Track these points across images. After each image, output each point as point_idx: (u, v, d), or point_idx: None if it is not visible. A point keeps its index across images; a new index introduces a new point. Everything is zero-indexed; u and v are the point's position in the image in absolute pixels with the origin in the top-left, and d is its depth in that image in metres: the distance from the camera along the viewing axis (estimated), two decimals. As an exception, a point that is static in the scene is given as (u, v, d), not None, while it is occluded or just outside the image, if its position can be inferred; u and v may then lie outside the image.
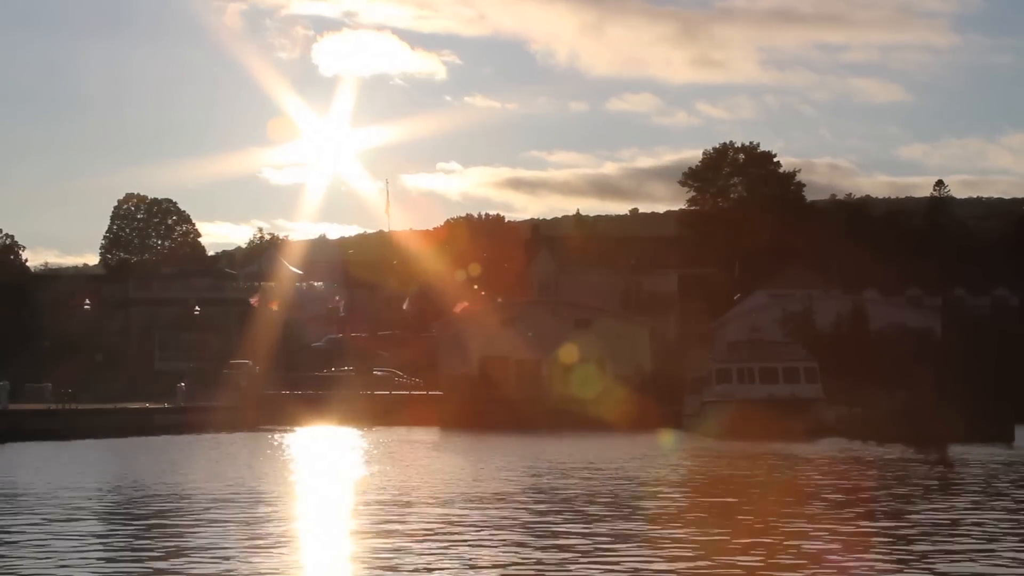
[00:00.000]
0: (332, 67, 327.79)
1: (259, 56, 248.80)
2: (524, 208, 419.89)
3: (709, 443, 62.73)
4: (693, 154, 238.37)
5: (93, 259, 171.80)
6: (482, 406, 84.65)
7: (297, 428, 79.71)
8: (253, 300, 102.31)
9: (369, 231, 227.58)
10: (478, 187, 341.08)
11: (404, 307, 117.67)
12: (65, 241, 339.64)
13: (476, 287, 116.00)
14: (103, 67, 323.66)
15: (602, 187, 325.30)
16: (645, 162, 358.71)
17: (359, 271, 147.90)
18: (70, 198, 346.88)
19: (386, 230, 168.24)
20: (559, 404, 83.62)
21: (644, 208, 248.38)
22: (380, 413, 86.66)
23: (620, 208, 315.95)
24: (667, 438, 72.49)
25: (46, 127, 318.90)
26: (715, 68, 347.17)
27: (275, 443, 63.54)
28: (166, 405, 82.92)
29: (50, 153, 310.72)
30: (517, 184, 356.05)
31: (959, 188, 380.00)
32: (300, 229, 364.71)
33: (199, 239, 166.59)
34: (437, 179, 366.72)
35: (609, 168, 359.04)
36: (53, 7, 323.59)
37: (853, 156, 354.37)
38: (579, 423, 77.23)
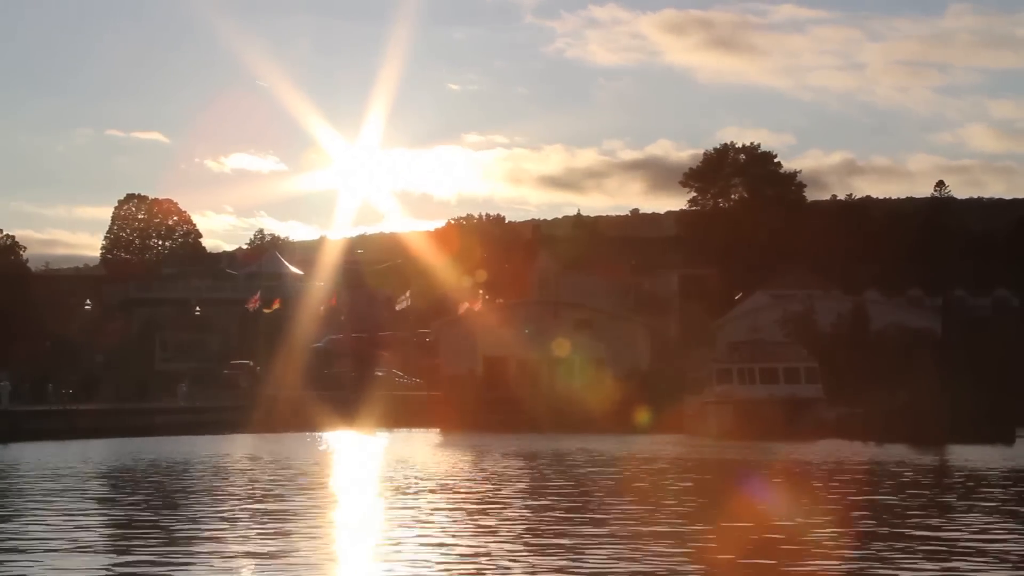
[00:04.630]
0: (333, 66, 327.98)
1: (268, 56, 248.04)
2: (523, 203, 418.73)
3: (709, 443, 62.77)
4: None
5: (94, 259, 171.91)
6: (484, 406, 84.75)
7: (298, 431, 79.46)
8: (250, 303, 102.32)
9: (370, 232, 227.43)
10: (477, 183, 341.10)
11: (402, 307, 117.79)
12: (66, 242, 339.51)
13: (481, 292, 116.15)
14: (108, 66, 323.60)
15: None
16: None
17: (360, 271, 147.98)
18: (72, 198, 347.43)
19: (387, 231, 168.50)
20: (559, 404, 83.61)
21: (645, 208, 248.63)
22: (387, 415, 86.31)
23: (621, 208, 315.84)
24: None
25: (48, 128, 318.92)
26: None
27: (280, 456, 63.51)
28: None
29: (52, 153, 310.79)
30: (514, 180, 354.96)
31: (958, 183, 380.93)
32: (301, 229, 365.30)
33: (200, 239, 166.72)
34: (437, 177, 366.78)
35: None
36: (66, 8, 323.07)
37: (853, 155, 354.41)
38: (579, 423, 77.23)
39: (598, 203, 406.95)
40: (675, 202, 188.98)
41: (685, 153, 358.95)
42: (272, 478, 38.54)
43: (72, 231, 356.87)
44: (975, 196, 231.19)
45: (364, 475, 41.53)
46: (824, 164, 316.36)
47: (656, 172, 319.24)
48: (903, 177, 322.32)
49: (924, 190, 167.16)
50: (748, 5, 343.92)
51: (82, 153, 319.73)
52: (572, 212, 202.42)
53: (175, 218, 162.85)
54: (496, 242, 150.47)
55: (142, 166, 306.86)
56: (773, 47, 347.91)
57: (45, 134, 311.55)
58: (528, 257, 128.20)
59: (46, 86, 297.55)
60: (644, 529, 24.26)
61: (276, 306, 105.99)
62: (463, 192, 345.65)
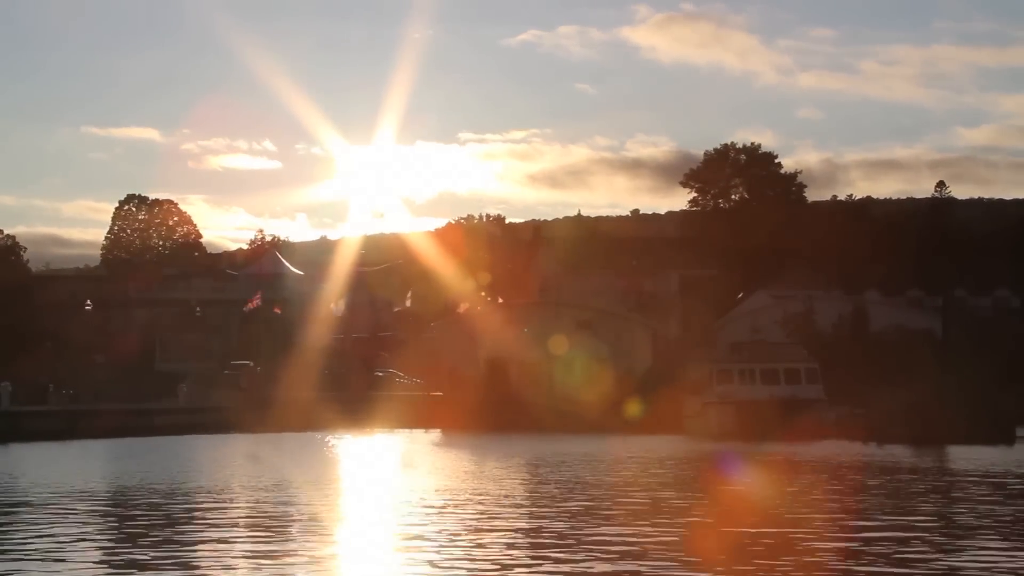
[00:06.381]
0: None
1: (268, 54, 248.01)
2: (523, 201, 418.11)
3: (709, 444, 62.79)
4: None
5: (93, 258, 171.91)
6: (485, 407, 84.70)
7: (297, 431, 79.33)
8: (250, 304, 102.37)
9: (370, 232, 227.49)
10: (477, 181, 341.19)
11: (402, 308, 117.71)
12: (66, 242, 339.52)
13: (484, 294, 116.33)
14: (101, 63, 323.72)
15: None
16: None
17: (360, 272, 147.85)
18: (72, 197, 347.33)
19: (387, 231, 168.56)
20: (560, 404, 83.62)
21: (645, 209, 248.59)
22: (387, 416, 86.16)
23: (621, 208, 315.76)
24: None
25: (49, 129, 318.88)
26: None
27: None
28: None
29: (52, 154, 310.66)
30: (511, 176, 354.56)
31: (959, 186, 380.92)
32: (302, 230, 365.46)
33: (200, 240, 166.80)
34: (436, 177, 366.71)
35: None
36: (85, 19, 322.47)
37: (854, 154, 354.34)
38: (580, 423, 77.25)
39: (598, 203, 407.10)
40: (675, 202, 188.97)
41: (689, 152, 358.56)
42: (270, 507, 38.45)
43: (66, 228, 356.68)
44: (976, 196, 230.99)
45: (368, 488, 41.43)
46: (818, 163, 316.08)
47: (657, 172, 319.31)
48: (897, 174, 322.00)
49: (922, 188, 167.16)
50: (734, 5, 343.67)
51: (72, 150, 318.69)
52: (572, 212, 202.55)
53: (176, 219, 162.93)
54: (497, 243, 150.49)
55: (137, 164, 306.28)
56: (761, 46, 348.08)
57: (34, 130, 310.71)
58: (529, 258, 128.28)
59: (34, 81, 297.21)
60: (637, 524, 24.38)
61: (277, 311, 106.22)
62: (464, 192, 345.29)
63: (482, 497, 31.87)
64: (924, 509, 29.11)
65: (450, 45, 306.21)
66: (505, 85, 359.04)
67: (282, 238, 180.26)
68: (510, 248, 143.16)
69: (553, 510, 28.60)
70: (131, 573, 19.41)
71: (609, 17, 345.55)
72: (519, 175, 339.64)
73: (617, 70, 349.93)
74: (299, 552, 21.47)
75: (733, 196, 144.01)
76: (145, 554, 21.28)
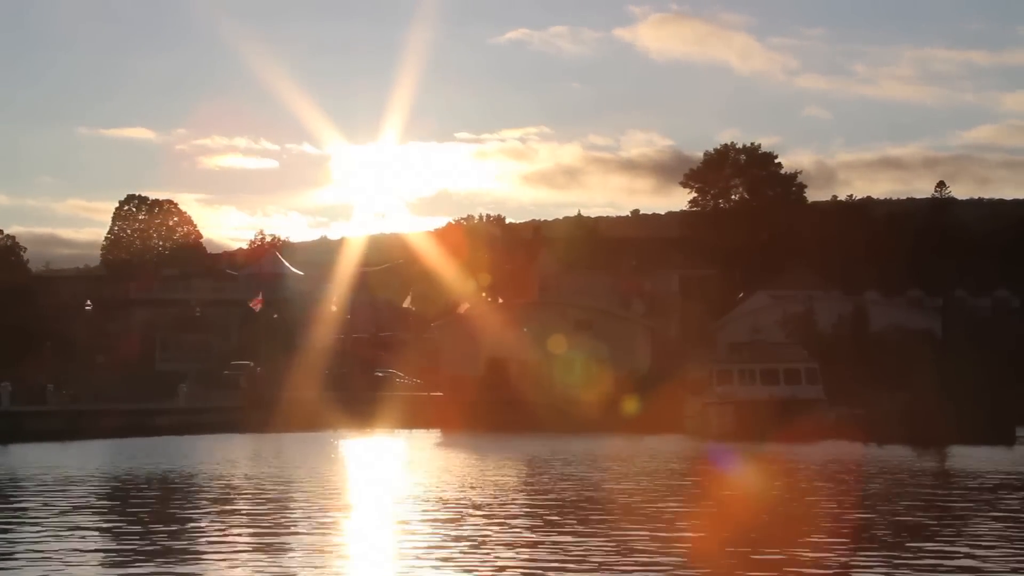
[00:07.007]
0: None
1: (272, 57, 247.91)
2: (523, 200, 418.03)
3: (709, 444, 62.85)
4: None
5: (94, 259, 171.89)
6: (486, 407, 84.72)
7: (296, 431, 79.31)
8: (253, 304, 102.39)
9: (370, 232, 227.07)
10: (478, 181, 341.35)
11: (405, 305, 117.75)
12: (66, 242, 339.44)
13: (484, 294, 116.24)
14: (107, 71, 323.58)
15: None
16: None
17: (360, 272, 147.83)
18: (64, 196, 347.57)
19: (387, 231, 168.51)
20: (560, 404, 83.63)
21: (645, 209, 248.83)
22: (387, 416, 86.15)
23: (621, 208, 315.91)
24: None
25: (50, 129, 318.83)
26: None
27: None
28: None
29: (46, 153, 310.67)
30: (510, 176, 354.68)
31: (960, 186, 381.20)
32: (301, 230, 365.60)
33: (200, 240, 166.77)
34: (436, 177, 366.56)
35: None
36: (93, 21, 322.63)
37: (849, 154, 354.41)
38: (580, 423, 77.26)
39: (594, 202, 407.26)
40: (674, 202, 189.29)
41: (684, 151, 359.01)
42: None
43: (60, 228, 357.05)
44: (973, 196, 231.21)
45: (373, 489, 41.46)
46: (814, 162, 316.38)
47: (652, 171, 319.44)
48: (893, 174, 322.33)
49: (920, 188, 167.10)
50: (729, 4, 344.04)
51: (64, 150, 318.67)
52: (567, 212, 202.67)
53: (176, 219, 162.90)
54: (496, 243, 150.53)
55: (132, 165, 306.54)
56: (756, 45, 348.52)
57: (27, 130, 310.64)
58: (529, 258, 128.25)
59: (30, 82, 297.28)
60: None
61: (275, 316, 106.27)
62: (460, 192, 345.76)
63: (481, 497, 31.94)
64: (922, 509, 29.17)
65: (445, 46, 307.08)
66: (497, 85, 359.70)
67: (282, 238, 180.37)
68: (510, 248, 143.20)
69: (552, 510, 28.66)
70: (132, 570, 19.47)
71: (603, 16, 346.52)
72: (514, 175, 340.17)
73: (610, 69, 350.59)
74: (299, 550, 21.52)
75: (733, 196, 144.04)
76: (145, 552, 21.34)
